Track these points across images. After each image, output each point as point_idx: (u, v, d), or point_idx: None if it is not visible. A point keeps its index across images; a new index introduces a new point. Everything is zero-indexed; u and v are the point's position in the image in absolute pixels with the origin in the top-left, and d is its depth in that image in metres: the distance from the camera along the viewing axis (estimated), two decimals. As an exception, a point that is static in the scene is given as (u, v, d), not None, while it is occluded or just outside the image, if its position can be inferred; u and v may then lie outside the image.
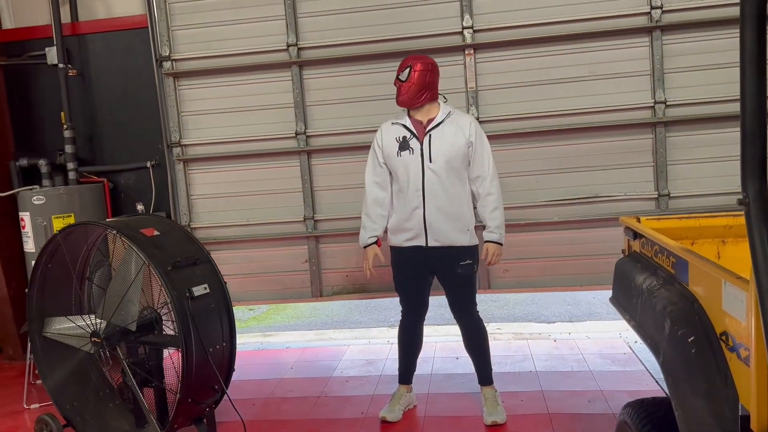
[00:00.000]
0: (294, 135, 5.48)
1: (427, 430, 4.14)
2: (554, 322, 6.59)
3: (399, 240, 4.14)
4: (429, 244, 4.04)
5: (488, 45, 5.18)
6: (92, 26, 5.84)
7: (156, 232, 3.87)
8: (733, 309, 1.94)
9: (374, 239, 4.21)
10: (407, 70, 4.02)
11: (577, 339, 5.70)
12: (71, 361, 4.21)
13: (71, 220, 5.33)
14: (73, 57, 5.85)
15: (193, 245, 4.00)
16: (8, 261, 5.84)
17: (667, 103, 5.02)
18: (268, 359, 5.77)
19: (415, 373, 4.45)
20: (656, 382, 4.55)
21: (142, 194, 5.85)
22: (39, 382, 4.44)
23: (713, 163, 5.03)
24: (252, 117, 5.53)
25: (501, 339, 5.82)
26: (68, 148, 5.70)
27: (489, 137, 4.15)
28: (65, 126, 5.67)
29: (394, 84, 4.11)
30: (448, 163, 3.97)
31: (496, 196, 4.06)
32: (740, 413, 1.91)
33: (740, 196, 1.69)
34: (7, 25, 5.97)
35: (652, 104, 5.04)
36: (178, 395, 3.66)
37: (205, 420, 3.93)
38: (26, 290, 4.15)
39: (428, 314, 4.34)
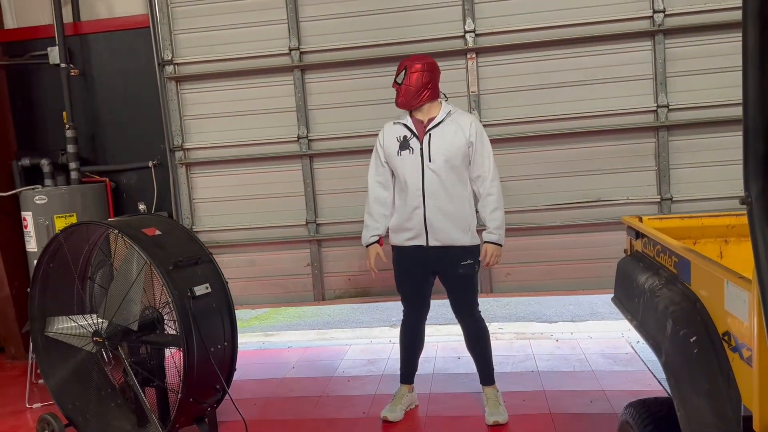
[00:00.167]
0: (296, 139, 5.49)
1: (428, 429, 4.14)
2: (556, 322, 6.59)
3: (400, 239, 4.14)
4: (429, 244, 4.04)
5: (490, 49, 5.18)
6: (94, 26, 5.85)
7: (158, 232, 3.88)
8: (735, 309, 1.93)
9: (376, 238, 4.21)
10: (403, 72, 4.03)
11: (579, 339, 5.69)
12: (73, 360, 4.22)
13: (73, 220, 5.33)
14: (75, 57, 5.86)
15: (194, 245, 4.01)
16: (10, 260, 5.85)
17: (670, 107, 5.02)
18: (270, 359, 5.77)
19: (417, 372, 4.45)
20: (658, 382, 4.55)
21: (144, 194, 5.86)
22: (41, 381, 4.44)
23: (716, 167, 5.02)
24: (254, 121, 5.55)
25: (503, 339, 5.82)
26: (70, 148, 5.71)
27: (491, 141, 4.13)
28: (67, 126, 5.68)
29: (393, 87, 4.12)
30: (447, 162, 3.97)
31: (496, 196, 4.05)
32: (743, 413, 1.91)
33: (742, 196, 1.68)
34: (10, 24, 5.99)
35: (655, 108, 5.04)
36: (179, 395, 3.66)
37: (206, 419, 3.94)
38: (28, 290, 4.16)
39: (430, 314, 4.35)
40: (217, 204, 5.69)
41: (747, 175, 1.64)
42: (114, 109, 5.91)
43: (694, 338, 2.10)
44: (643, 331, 2.63)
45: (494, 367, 4.31)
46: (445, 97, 4.19)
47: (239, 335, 4.03)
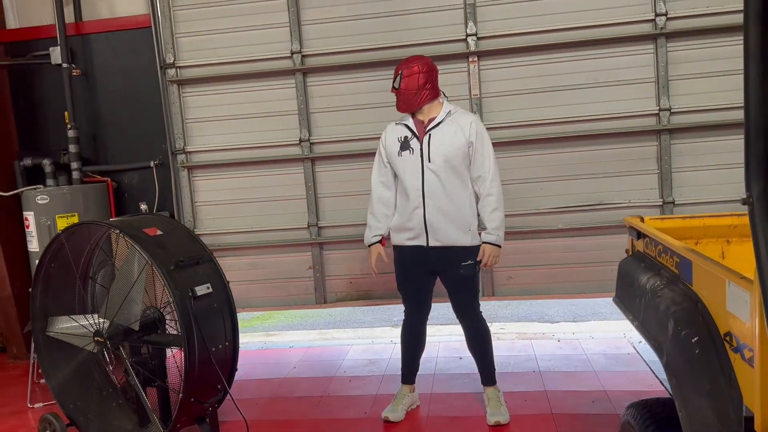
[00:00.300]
0: (298, 142, 5.50)
1: (429, 430, 4.13)
2: (558, 322, 6.58)
3: (401, 239, 4.14)
4: (430, 244, 4.04)
5: (492, 52, 5.19)
6: (96, 26, 5.87)
7: (159, 232, 3.89)
8: (737, 309, 1.93)
9: (378, 238, 4.22)
10: (398, 77, 4.04)
11: (581, 339, 5.68)
12: (74, 360, 4.22)
13: (75, 220, 5.34)
14: (77, 57, 5.87)
15: (196, 245, 4.02)
16: (12, 260, 5.85)
17: (672, 111, 5.02)
18: (271, 359, 5.77)
19: (418, 372, 4.45)
20: (660, 382, 4.54)
21: (146, 194, 5.86)
22: (42, 381, 4.44)
23: (718, 171, 5.02)
24: (256, 124, 5.56)
25: (504, 339, 5.81)
26: (72, 148, 5.71)
27: (492, 145, 4.11)
28: (69, 125, 5.69)
29: (392, 92, 4.13)
30: (447, 162, 3.97)
31: (496, 197, 4.03)
32: (744, 414, 1.91)
33: (744, 196, 1.69)
34: (12, 24, 6.00)
35: (657, 111, 5.04)
36: (180, 395, 3.66)
37: (207, 419, 3.93)
38: (30, 289, 4.17)
39: (431, 314, 4.35)
40: (219, 207, 5.70)
41: (748, 175, 1.64)
42: (116, 108, 5.91)
43: (695, 339, 2.10)
44: (644, 332, 2.63)
45: (495, 367, 4.31)
46: (446, 96, 4.19)
47: (240, 335, 4.03)
